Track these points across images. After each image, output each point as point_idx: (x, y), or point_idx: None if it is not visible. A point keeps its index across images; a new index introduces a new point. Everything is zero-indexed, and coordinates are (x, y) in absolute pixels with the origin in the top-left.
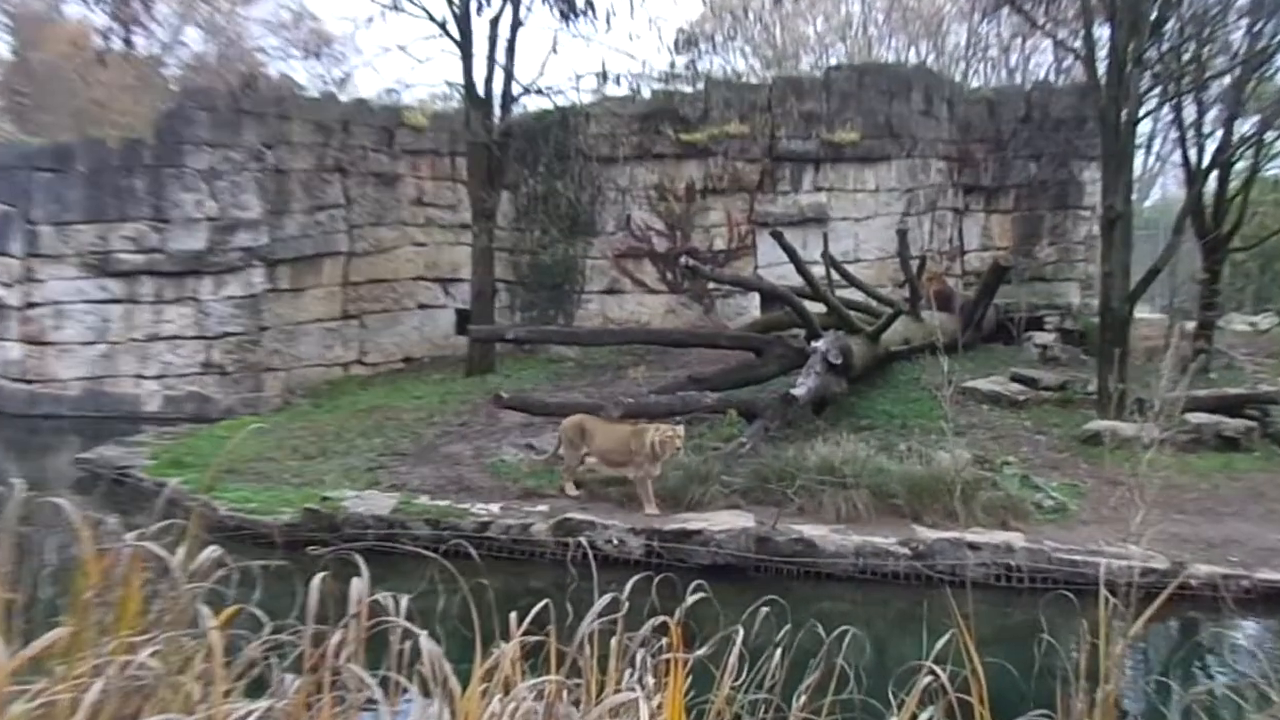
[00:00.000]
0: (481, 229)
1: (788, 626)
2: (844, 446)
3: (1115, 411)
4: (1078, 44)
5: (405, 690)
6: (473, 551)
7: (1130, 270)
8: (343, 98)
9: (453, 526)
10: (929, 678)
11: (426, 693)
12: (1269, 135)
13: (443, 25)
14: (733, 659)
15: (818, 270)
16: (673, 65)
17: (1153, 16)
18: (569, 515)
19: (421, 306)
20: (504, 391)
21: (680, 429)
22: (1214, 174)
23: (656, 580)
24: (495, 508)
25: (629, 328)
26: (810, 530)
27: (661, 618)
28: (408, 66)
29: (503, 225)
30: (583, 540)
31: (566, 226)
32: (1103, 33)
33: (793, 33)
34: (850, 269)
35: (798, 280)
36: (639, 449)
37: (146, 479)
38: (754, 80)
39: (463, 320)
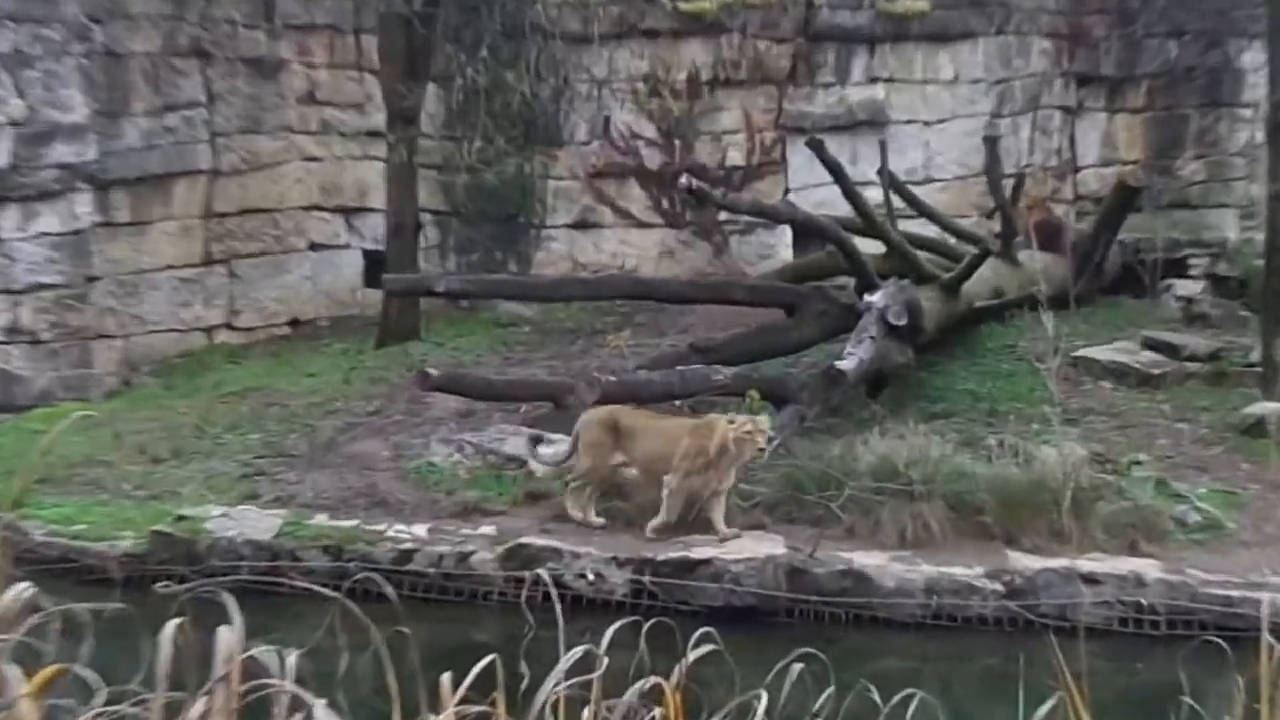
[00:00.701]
0: (400, 138)
1: (830, 691)
2: (910, 441)
3: None
4: None
5: None
6: (389, 590)
7: None
8: None
9: (362, 557)
10: None
11: None
12: None
13: None
14: None
15: (873, 195)
16: None
17: None
18: (525, 540)
19: (315, 247)
20: (432, 367)
21: (764, 420)
22: None
23: (647, 627)
24: (422, 530)
25: (608, 276)
26: (863, 559)
27: (654, 679)
28: None
29: (429, 133)
30: (544, 574)
31: (519, 134)
32: None
33: None
34: (918, 192)
35: (845, 208)
36: (704, 451)
37: None
38: None
39: (374, 267)
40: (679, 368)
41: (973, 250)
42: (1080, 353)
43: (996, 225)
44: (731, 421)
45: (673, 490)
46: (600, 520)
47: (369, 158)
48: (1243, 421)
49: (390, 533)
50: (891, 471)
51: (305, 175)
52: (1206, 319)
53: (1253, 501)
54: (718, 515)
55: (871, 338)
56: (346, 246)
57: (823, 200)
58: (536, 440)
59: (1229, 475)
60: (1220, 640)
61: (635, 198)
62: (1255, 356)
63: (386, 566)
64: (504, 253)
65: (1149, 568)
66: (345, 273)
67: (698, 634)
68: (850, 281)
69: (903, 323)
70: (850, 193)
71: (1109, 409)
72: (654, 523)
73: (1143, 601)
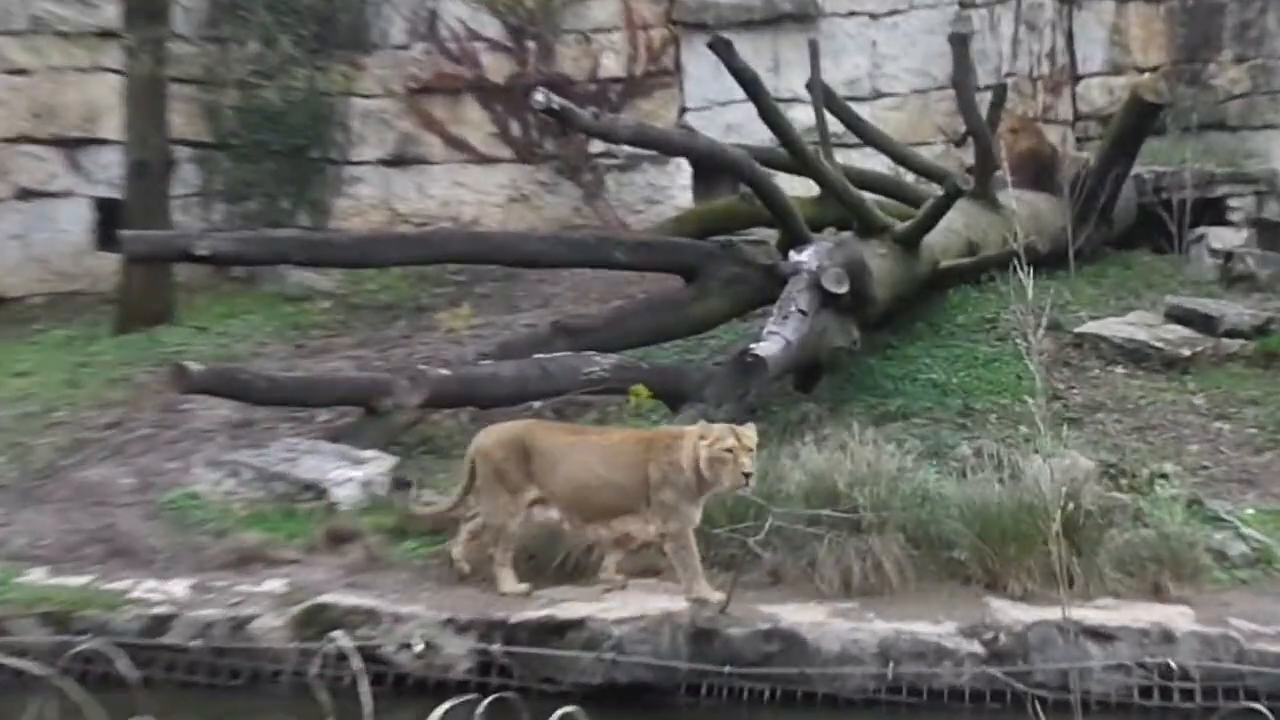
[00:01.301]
0: (143, 41)
1: None
2: (856, 453)
3: None
4: None
5: None
6: (130, 673)
7: None
8: None
9: (97, 627)
10: None
11: None
12: None
13: None
14: None
15: (801, 116)
16: None
17: None
18: (327, 599)
19: (25, 196)
20: (193, 361)
21: (750, 430)
22: None
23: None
24: (181, 588)
25: (438, 231)
26: (794, 614)
27: None
28: None
29: (185, 33)
30: (345, 642)
31: (310, 36)
32: None
33: None
34: (862, 112)
35: (763, 134)
36: (665, 478)
37: None
38: None
39: (109, 221)
40: (538, 357)
41: (937, 191)
42: (1084, 328)
43: (969, 156)
44: (703, 436)
45: (677, 537)
46: (525, 587)
47: (99, 69)
48: None
49: (137, 593)
50: (830, 494)
51: (9, 95)
52: (1252, 280)
53: None
54: (692, 573)
55: (801, 312)
56: (68, 194)
57: (733, 123)
58: (403, 485)
59: None
60: (1270, 715)
61: (474, 122)
62: None
63: (133, 640)
64: (293, 200)
65: (1179, 618)
66: (67, 230)
67: (558, 715)
68: (772, 234)
69: (843, 290)
70: (769, 113)
71: (1123, 403)
72: (699, 591)
73: (1171, 664)
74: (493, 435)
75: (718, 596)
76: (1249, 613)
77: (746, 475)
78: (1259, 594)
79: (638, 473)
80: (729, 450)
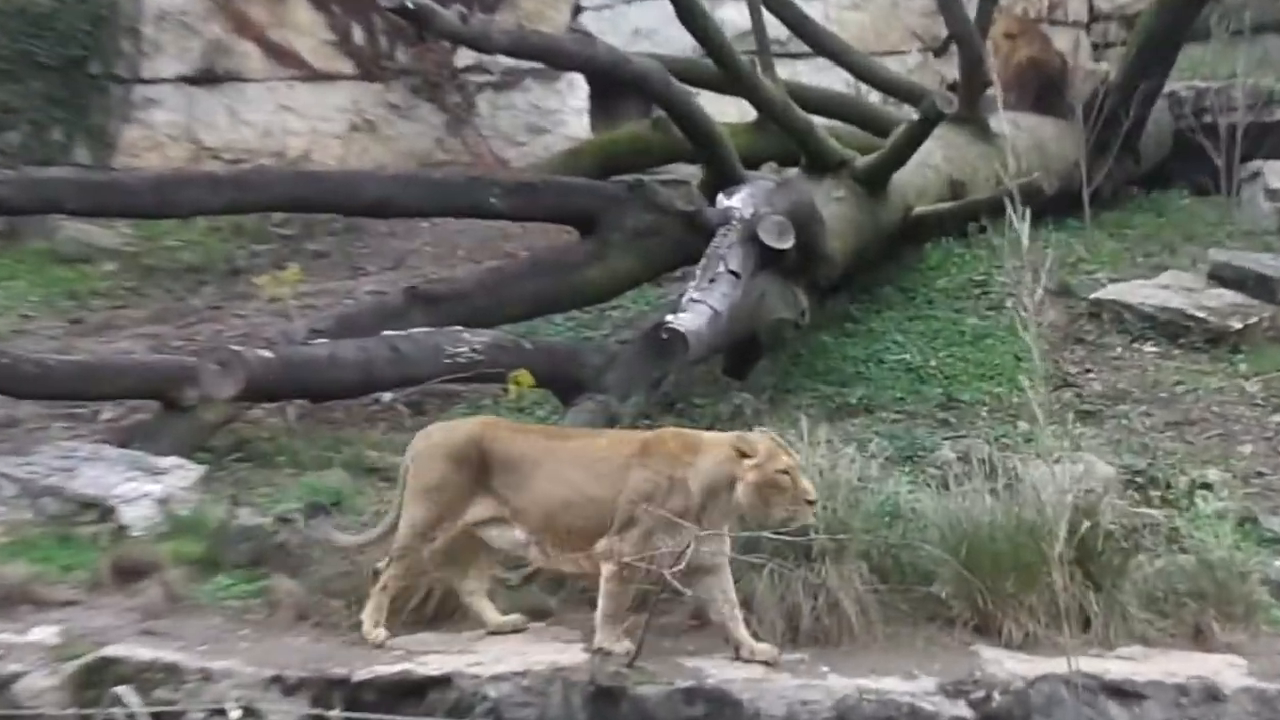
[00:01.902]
0: None
1: None
2: (804, 457)
3: None
4: None
5: None
6: None
7: None
8: None
9: None
10: None
11: None
12: None
13: None
14: None
15: (732, 16)
16: None
17: None
18: (114, 650)
19: None
20: None
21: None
22: None
23: None
24: None
25: (259, 170)
26: (725, 668)
27: None
28: None
29: None
30: (132, 701)
31: None
32: None
33: None
34: (813, 11)
35: (685, 42)
36: (650, 494)
37: None
38: None
39: None
40: (388, 334)
41: (910, 115)
42: (1103, 293)
43: (952, 69)
44: (745, 454)
45: (617, 568)
46: (382, 634)
47: None
48: None
49: None
50: None
51: None
52: None
53: None
54: (734, 626)
55: (732, 273)
56: None
57: (643, 27)
58: (318, 511)
59: None
60: None
61: (303, 26)
62: None
63: None
64: (66, 130)
65: (1227, 670)
66: None
67: None
68: (694, 173)
69: (787, 245)
70: (690, 11)
71: (1152, 390)
72: (597, 643)
73: None
74: (435, 437)
75: (624, 646)
76: None
77: (810, 503)
78: None
79: (618, 481)
80: (784, 472)
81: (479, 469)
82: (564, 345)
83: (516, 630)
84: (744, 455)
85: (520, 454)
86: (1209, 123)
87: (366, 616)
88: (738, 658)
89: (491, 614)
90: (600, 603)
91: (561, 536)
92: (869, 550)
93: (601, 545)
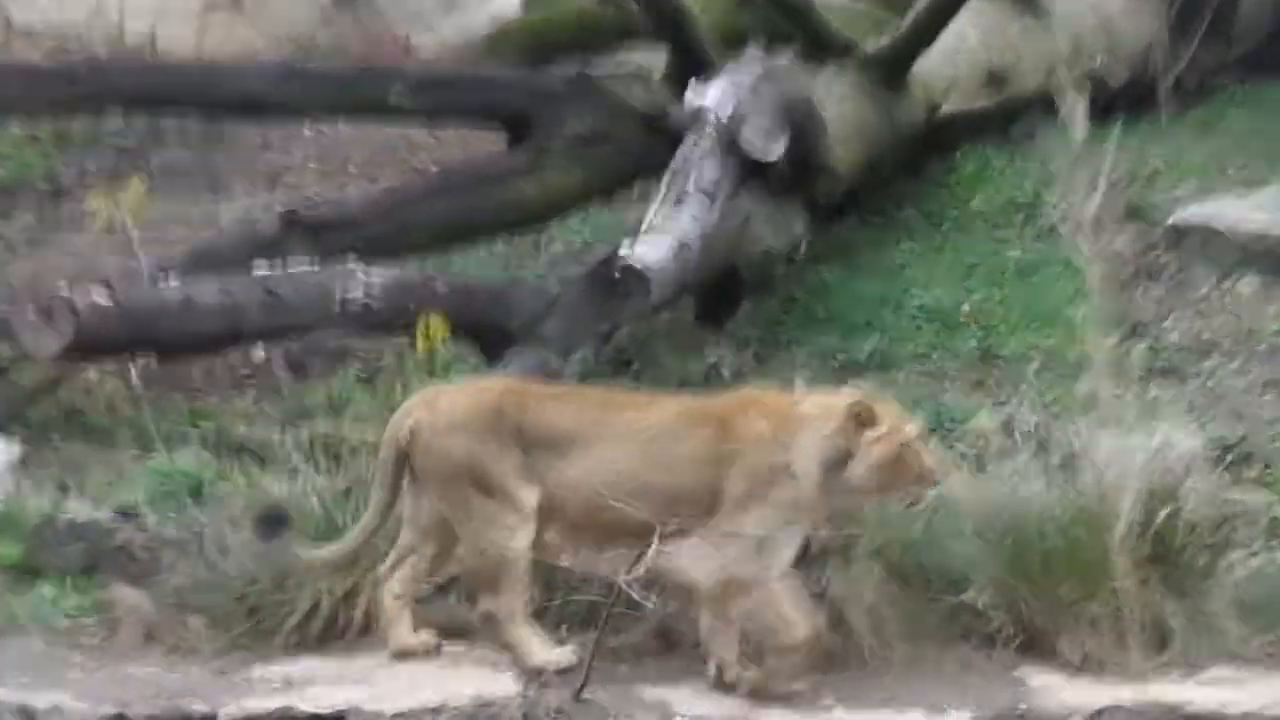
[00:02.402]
0: None
1: None
2: None
3: None
4: None
5: None
6: None
7: None
8: None
9: None
10: None
11: None
12: None
13: None
14: None
15: None
16: None
17: None
18: None
19: None
20: None
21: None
22: None
23: None
24: None
25: (89, 59)
26: (697, 701)
27: None
28: None
29: None
30: None
31: None
32: None
33: None
34: None
35: None
36: (766, 491)
37: None
38: None
39: None
40: (261, 273)
41: None
42: (1185, 215)
43: None
44: (863, 421)
45: (761, 589)
46: (569, 652)
47: None
48: None
49: None
50: None
51: None
52: None
53: None
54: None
55: (705, 192)
56: None
57: None
58: (276, 523)
59: None
60: None
61: None
62: None
63: None
64: None
65: None
66: None
67: None
68: (655, 61)
69: (777, 155)
70: None
71: (1248, 342)
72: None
73: None
74: (446, 405)
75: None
76: None
77: (935, 483)
78: None
79: (706, 473)
80: (907, 444)
81: (507, 445)
82: (488, 285)
83: (428, 653)
84: (863, 425)
85: (559, 425)
86: None
87: (394, 633)
88: (720, 684)
89: (403, 630)
90: (703, 636)
91: (608, 535)
92: (884, 548)
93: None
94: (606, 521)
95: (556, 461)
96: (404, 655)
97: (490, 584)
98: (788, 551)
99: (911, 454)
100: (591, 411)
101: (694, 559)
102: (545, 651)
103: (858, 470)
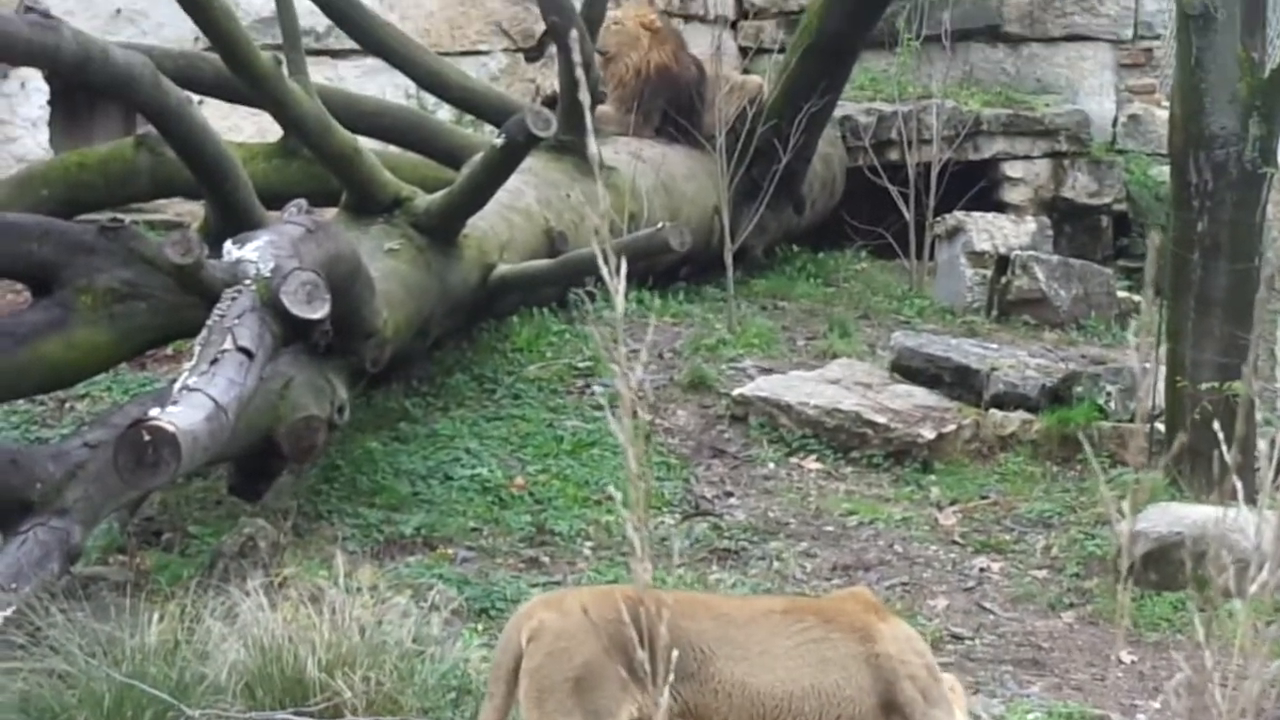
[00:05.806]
0: None
1: None
2: (340, 607)
3: None
4: None
5: None
6: None
7: None
8: None
9: None
10: None
11: None
12: None
13: None
14: None
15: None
16: None
17: None
18: None
19: None
20: None
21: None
22: None
23: None
24: None
25: None
26: None
27: None
28: None
29: None
30: None
31: None
32: None
33: None
34: None
35: (184, 28)
36: (920, 686)
37: None
38: None
39: None
40: None
41: (493, 138)
42: (751, 388)
43: (551, 77)
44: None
45: None
46: None
47: None
48: None
49: None
50: (294, 682)
51: None
52: (1041, 306)
53: None
54: None
55: (243, 351)
56: None
57: (131, 9)
58: None
59: None
60: None
61: None
62: None
63: None
64: None
65: None
66: None
67: None
68: (194, 212)
69: (320, 315)
70: None
71: (816, 523)
72: None
73: None
74: (574, 607)
75: None
76: None
77: None
78: None
79: (856, 673)
80: None
81: (633, 653)
82: (4, 449)
83: None
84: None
85: (707, 626)
86: (894, 160)
87: None
88: None
89: None
90: None
91: None
92: None
93: None
94: None
95: (709, 660)
96: None
97: None
98: None
99: None
100: (738, 606)
101: None
102: None
103: None
